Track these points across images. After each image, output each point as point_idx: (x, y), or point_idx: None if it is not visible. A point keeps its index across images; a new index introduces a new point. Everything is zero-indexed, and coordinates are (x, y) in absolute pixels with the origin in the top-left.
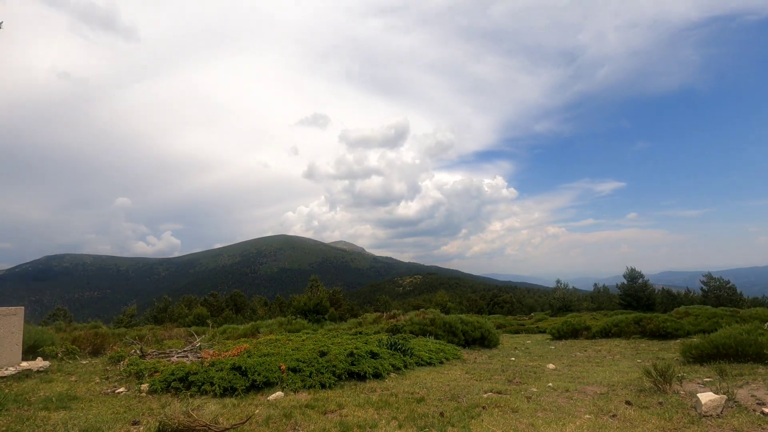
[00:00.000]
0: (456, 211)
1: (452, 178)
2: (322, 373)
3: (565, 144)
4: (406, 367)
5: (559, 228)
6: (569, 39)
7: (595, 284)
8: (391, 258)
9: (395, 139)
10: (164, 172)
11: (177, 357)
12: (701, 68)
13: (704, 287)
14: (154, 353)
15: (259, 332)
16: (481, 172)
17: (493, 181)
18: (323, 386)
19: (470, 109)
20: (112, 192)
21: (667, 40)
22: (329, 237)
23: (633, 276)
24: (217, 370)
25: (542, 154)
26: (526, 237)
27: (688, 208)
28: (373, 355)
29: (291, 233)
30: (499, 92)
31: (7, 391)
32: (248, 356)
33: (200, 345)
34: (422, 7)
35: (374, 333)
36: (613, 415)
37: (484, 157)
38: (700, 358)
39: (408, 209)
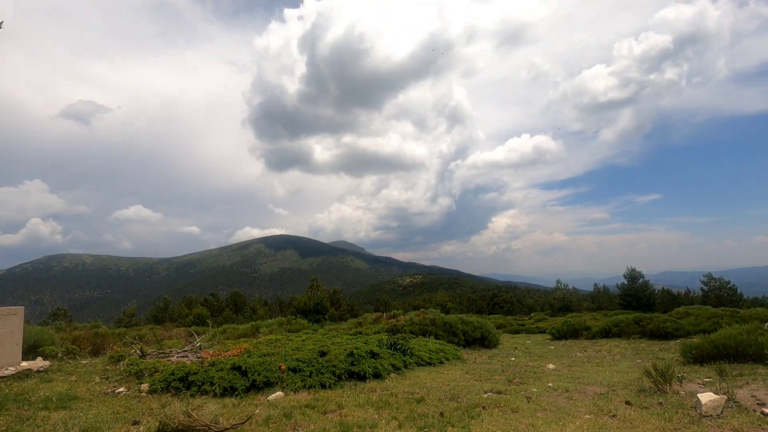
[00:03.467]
0: (466, 213)
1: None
2: (322, 373)
3: (631, 170)
4: (406, 367)
5: (580, 229)
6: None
7: (595, 284)
8: (391, 258)
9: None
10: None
11: (177, 357)
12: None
13: (704, 287)
14: (154, 353)
15: (259, 332)
16: (547, 189)
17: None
18: (323, 386)
19: (571, 154)
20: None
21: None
22: (329, 237)
23: (633, 276)
24: (217, 370)
25: (609, 177)
26: (540, 239)
27: (700, 215)
28: (373, 355)
29: (296, 234)
30: (599, 142)
31: (7, 390)
32: (248, 356)
33: (200, 345)
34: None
35: (374, 333)
36: (613, 416)
37: (568, 181)
38: (700, 358)
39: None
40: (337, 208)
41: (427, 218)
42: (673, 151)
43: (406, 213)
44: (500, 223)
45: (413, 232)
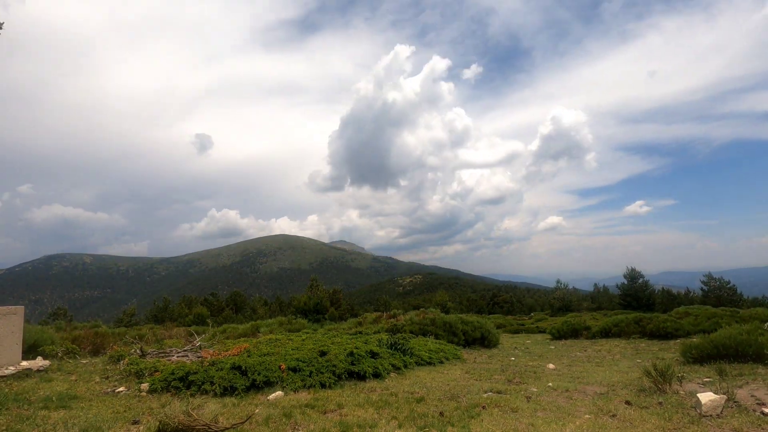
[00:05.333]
0: (479, 215)
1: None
2: (322, 373)
3: (651, 179)
4: (406, 366)
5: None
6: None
7: (595, 284)
8: (391, 258)
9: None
10: None
11: (177, 356)
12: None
13: (704, 287)
14: (154, 353)
15: (259, 332)
16: (562, 193)
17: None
18: (323, 386)
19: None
20: None
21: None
22: (330, 237)
23: (633, 276)
24: (217, 370)
25: (634, 187)
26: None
27: (707, 218)
28: (373, 355)
29: (296, 233)
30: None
31: (7, 390)
32: (248, 356)
33: (200, 344)
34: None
35: (374, 333)
36: (613, 415)
37: (599, 189)
38: (700, 358)
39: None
40: (349, 213)
41: (442, 220)
42: (690, 165)
43: (418, 217)
44: (509, 224)
45: (423, 235)
